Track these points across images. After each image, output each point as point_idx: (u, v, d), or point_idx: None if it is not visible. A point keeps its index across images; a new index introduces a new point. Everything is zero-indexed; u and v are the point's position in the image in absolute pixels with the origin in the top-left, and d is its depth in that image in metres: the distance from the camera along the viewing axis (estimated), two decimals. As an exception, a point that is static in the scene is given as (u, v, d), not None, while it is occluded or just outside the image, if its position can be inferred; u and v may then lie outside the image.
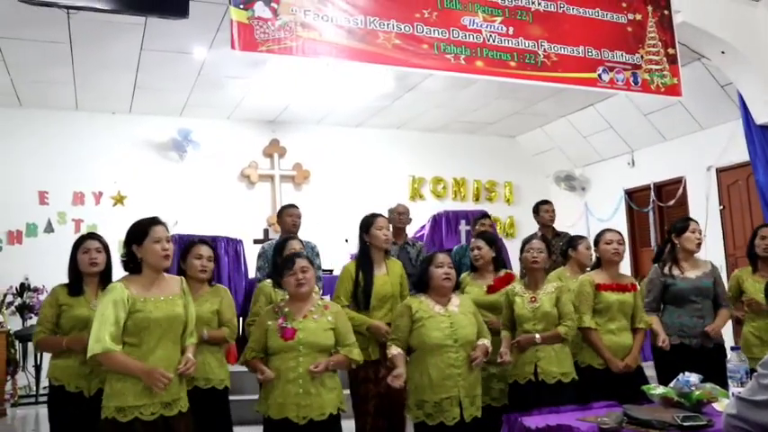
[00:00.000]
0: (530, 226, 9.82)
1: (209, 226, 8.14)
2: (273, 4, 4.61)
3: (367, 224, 4.51)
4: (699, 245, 4.58)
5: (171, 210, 8.13)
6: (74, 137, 8.81)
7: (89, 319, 3.47)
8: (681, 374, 3.14)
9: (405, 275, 4.60)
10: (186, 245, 4.14)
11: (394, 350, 3.73)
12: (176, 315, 3.13)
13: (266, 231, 8.58)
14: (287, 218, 5.76)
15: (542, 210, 6.63)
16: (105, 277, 3.89)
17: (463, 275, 4.72)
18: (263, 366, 3.56)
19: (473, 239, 4.81)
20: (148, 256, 3.13)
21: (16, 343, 7.39)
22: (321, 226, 8.45)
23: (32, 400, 7.27)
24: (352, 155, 10.10)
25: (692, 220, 4.69)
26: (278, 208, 9.45)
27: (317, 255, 5.61)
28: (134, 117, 9.09)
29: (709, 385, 3.07)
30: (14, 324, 7.65)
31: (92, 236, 4.01)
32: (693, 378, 3.07)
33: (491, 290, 4.60)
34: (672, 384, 3.10)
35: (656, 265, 4.64)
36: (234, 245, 7.73)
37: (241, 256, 7.75)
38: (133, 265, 3.17)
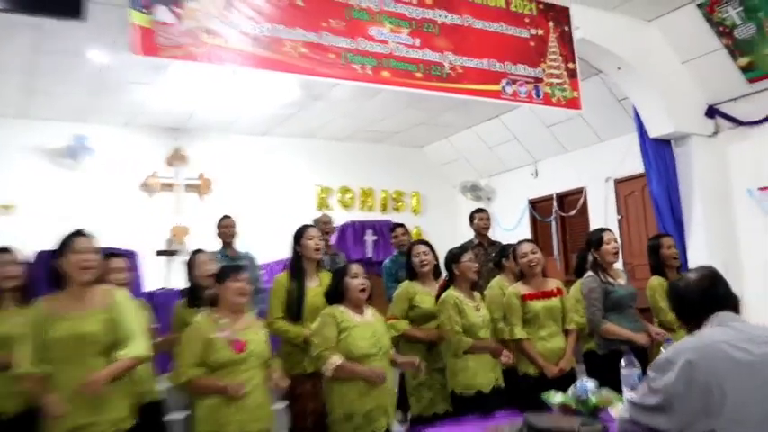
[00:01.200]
0: (437, 236, 10.01)
1: (108, 236, 7.82)
2: (177, 9, 4.52)
3: (298, 234, 4.53)
4: (616, 254, 4.75)
5: (66, 220, 7.78)
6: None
7: (7, 336, 3.43)
8: (579, 380, 3.27)
9: None
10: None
11: (336, 358, 3.70)
12: (84, 334, 3.04)
13: (169, 242, 8.36)
14: (222, 229, 5.97)
15: (476, 218, 6.76)
16: (27, 291, 3.77)
17: (406, 285, 4.70)
18: (219, 382, 3.44)
19: (415, 246, 4.81)
20: (70, 269, 3.07)
21: None
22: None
23: None
24: (257, 164, 10.01)
25: (605, 230, 4.83)
26: (181, 218, 9.41)
27: (257, 266, 5.69)
28: (28, 122, 8.69)
29: (605, 391, 3.20)
30: None
31: (3, 249, 3.88)
32: (591, 384, 3.19)
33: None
34: (570, 391, 3.21)
35: (592, 273, 4.73)
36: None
37: (137, 268, 7.50)
38: (56, 280, 3.10)
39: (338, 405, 3.74)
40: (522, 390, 4.36)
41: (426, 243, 4.86)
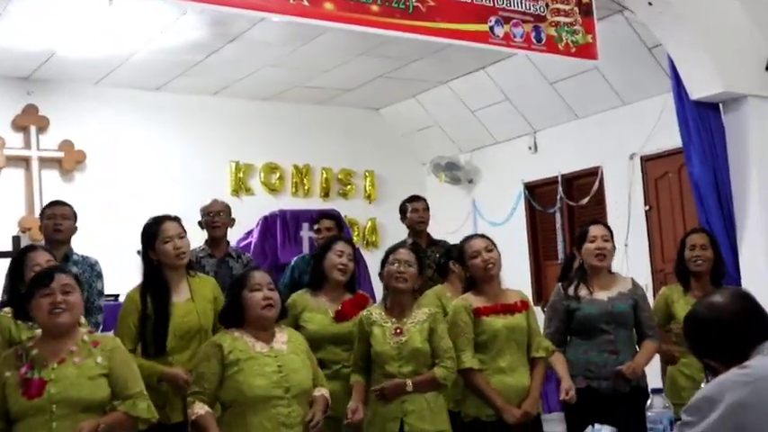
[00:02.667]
0: (399, 231, 10.00)
1: None
2: None
3: (149, 235, 4.49)
4: (601, 257, 4.81)
5: None
6: None
7: None
8: (590, 427, 3.32)
9: (222, 298, 4.53)
10: None
11: (198, 408, 3.73)
12: None
13: (17, 239, 8.19)
14: (46, 221, 5.64)
15: (410, 209, 6.79)
16: None
17: (297, 295, 4.77)
18: None
19: (336, 242, 4.86)
20: None
21: None
22: (100, 232, 8.20)
23: None
24: (147, 130, 9.89)
25: (595, 223, 4.93)
26: (37, 204, 9.15)
27: (99, 276, 5.59)
28: None
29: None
30: None
31: None
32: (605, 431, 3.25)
33: (340, 316, 4.69)
34: (580, 441, 3.27)
35: (559, 284, 4.86)
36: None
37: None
38: None
39: None
40: None
41: (352, 243, 4.91)
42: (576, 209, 9.91)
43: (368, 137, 11.20)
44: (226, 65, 9.28)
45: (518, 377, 4.49)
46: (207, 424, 3.69)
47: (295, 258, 6.56)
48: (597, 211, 9.50)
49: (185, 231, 4.58)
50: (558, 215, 10.01)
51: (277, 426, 3.71)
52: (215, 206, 6.35)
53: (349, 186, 11.10)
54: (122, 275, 7.49)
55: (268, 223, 8.82)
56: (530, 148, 10.34)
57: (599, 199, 9.55)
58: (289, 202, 10.31)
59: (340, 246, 4.79)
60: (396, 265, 4.41)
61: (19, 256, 4.47)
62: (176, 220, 4.61)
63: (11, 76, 9.24)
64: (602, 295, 4.80)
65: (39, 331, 3.69)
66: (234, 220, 6.59)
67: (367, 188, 11.20)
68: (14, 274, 4.37)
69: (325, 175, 10.94)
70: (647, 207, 9.03)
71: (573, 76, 9.13)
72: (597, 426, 3.33)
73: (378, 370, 4.32)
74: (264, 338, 3.89)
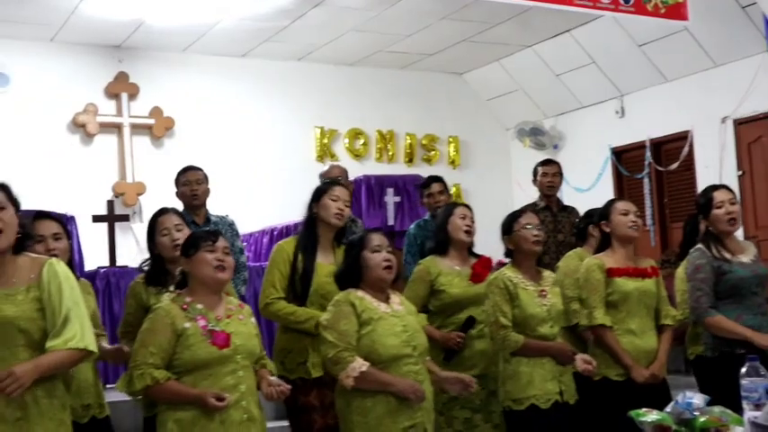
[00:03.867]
0: (482, 197, 9.97)
1: (26, 197, 7.83)
2: None
3: (320, 191, 4.55)
4: (732, 221, 4.68)
5: (-32, 173, 7.86)
6: None
7: None
8: (682, 393, 3.25)
9: None
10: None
11: (359, 363, 3.70)
12: (1, 318, 3.03)
13: (111, 204, 8.39)
14: (182, 187, 5.81)
15: (540, 172, 6.79)
16: None
17: (426, 262, 4.72)
18: (195, 390, 3.43)
19: (456, 207, 4.81)
20: None
21: None
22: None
23: None
24: (233, 97, 10.00)
25: (718, 188, 4.76)
26: (129, 170, 9.48)
27: (237, 234, 5.69)
28: None
29: (717, 408, 3.18)
30: None
31: None
32: (698, 399, 3.17)
33: (476, 278, 4.63)
34: (668, 408, 3.21)
35: (701, 247, 4.69)
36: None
37: (73, 238, 7.58)
38: None
39: (358, 425, 3.75)
40: (598, 400, 4.34)
41: (469, 207, 4.86)
42: (665, 174, 9.74)
43: (451, 102, 11.14)
44: (310, 30, 9.30)
45: (647, 339, 4.46)
46: (380, 375, 3.71)
47: (411, 226, 6.47)
48: (687, 177, 9.33)
49: (350, 200, 4.67)
50: (646, 181, 9.85)
51: None
52: (334, 171, 6.38)
53: (433, 152, 11.06)
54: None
55: (354, 188, 8.84)
56: (617, 112, 10.18)
57: (689, 164, 9.36)
58: (373, 167, 10.31)
59: (461, 209, 4.77)
60: (529, 228, 4.38)
61: (151, 221, 4.50)
62: (345, 186, 4.72)
63: (103, 44, 9.43)
64: (743, 258, 4.70)
65: (166, 297, 3.71)
66: (353, 183, 6.60)
67: (451, 154, 11.15)
68: (148, 238, 4.47)
69: (408, 141, 10.93)
70: (740, 172, 8.83)
71: (662, 38, 8.93)
72: (689, 393, 3.26)
73: (528, 332, 4.29)
74: (383, 300, 3.90)
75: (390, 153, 10.81)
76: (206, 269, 3.60)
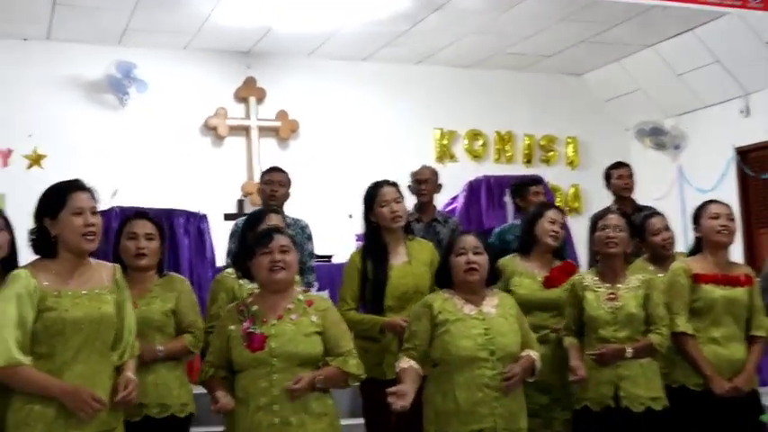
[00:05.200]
0: (602, 198, 9.81)
1: (160, 196, 8.15)
2: None
3: (369, 198, 4.59)
4: None
5: (108, 174, 8.15)
6: (-29, 73, 8.78)
7: None
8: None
9: (438, 262, 4.54)
10: (121, 222, 4.22)
11: (404, 362, 3.82)
12: (103, 315, 3.21)
13: (241, 203, 8.61)
14: (263, 186, 5.89)
15: (615, 175, 6.65)
16: (9, 264, 3.87)
17: (507, 259, 4.73)
18: (221, 391, 3.62)
19: (547, 210, 4.79)
20: (66, 233, 3.20)
21: None
22: (313, 197, 8.49)
23: None
24: (356, 99, 10.10)
25: None
26: (256, 170, 9.51)
27: (309, 238, 5.71)
28: (54, 45, 9.06)
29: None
30: None
31: None
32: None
33: (549, 282, 4.62)
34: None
35: None
36: (196, 222, 7.72)
37: (206, 236, 7.78)
38: (46, 245, 3.23)
39: (432, 421, 3.82)
40: (675, 410, 4.22)
41: (561, 210, 4.86)
42: (792, 175, 9.46)
43: (570, 103, 11.01)
44: (430, 33, 9.32)
45: (732, 350, 4.33)
46: (405, 377, 3.75)
47: (497, 229, 6.45)
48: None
49: (402, 196, 4.66)
50: (772, 181, 9.58)
51: (480, 386, 3.74)
52: (424, 173, 6.42)
53: (551, 153, 10.96)
54: (335, 238, 7.84)
55: (473, 189, 8.83)
56: (741, 111, 9.91)
57: (818, 164, 9.08)
58: (491, 168, 10.23)
59: (553, 213, 4.74)
60: (606, 230, 4.34)
61: (256, 215, 4.65)
62: (394, 185, 4.68)
63: (232, 51, 9.68)
64: None
65: (256, 289, 3.86)
66: (441, 185, 6.65)
67: (569, 154, 11.03)
68: (248, 230, 4.55)
69: (527, 142, 10.85)
70: None
71: (790, 35, 8.70)
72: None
73: (591, 334, 4.25)
74: (474, 301, 3.92)
75: (509, 154, 10.76)
76: (262, 273, 3.71)
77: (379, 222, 4.53)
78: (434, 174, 6.51)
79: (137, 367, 3.44)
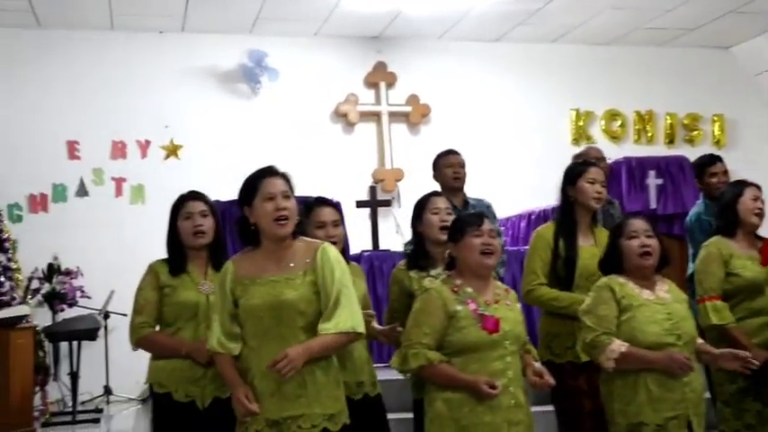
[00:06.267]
0: (751, 179, 9.32)
1: (295, 183, 8.20)
2: None
3: (574, 173, 4.53)
4: None
5: (240, 163, 8.22)
6: (110, 66, 9.03)
7: (197, 304, 3.95)
8: None
9: None
10: (303, 210, 4.27)
11: (617, 345, 3.69)
12: (282, 302, 3.25)
13: (373, 189, 8.56)
14: (445, 169, 5.84)
15: (707, 173, 6.18)
16: (216, 250, 4.11)
17: (715, 243, 4.56)
18: (472, 376, 3.52)
19: (748, 186, 4.64)
20: (260, 219, 3.30)
21: (45, 343, 7.71)
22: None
23: (68, 417, 7.57)
24: (487, 82, 10.03)
25: None
26: (386, 156, 9.69)
27: (495, 218, 5.65)
28: (189, 37, 9.28)
29: None
30: (42, 318, 8.00)
31: (194, 195, 4.18)
32: None
33: (766, 261, 4.47)
34: None
35: None
36: (331, 209, 7.81)
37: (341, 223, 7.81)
38: (248, 234, 3.35)
39: (619, 413, 3.74)
40: None
41: (758, 187, 4.66)
42: None
43: (716, 78, 10.65)
44: (565, 11, 9.19)
45: None
46: (640, 353, 3.66)
47: (692, 212, 6.11)
48: None
49: (606, 181, 4.62)
50: None
51: (671, 373, 3.68)
52: (591, 153, 6.21)
53: (695, 132, 10.65)
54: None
55: (612, 171, 8.57)
56: None
57: None
58: (630, 149, 9.97)
59: (753, 190, 4.59)
60: (752, 203, 4.38)
61: (421, 201, 4.57)
62: (597, 165, 4.64)
63: (362, 36, 9.72)
64: None
65: (438, 280, 3.79)
66: (608, 166, 6.43)
67: (716, 133, 10.70)
68: (416, 216, 4.54)
69: (669, 121, 10.59)
70: None
71: None
72: None
73: None
74: (647, 287, 3.84)
75: (649, 134, 10.51)
76: (473, 255, 3.64)
77: (578, 198, 4.46)
78: (602, 154, 6.34)
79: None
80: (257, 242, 3.34)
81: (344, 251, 4.10)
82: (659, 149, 10.13)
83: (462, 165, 5.85)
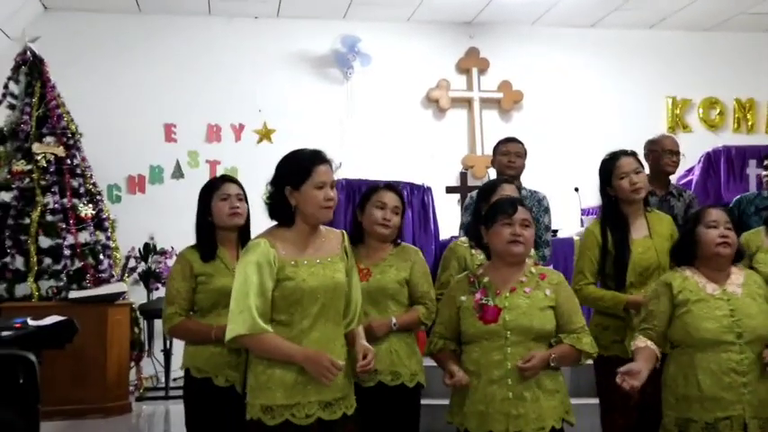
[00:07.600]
0: None
1: (383, 169, 8.25)
2: None
3: (606, 170, 4.42)
4: None
5: (333, 147, 8.28)
6: (207, 51, 9.23)
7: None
8: None
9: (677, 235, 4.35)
10: (367, 190, 4.26)
11: (641, 341, 3.66)
12: (337, 284, 3.28)
13: (464, 176, 8.54)
14: (500, 157, 5.71)
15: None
16: (244, 235, 4.08)
17: (751, 234, 4.41)
18: (454, 365, 3.57)
19: None
20: (307, 205, 3.24)
21: (141, 320, 7.92)
22: (537, 170, 8.29)
23: (161, 393, 7.78)
24: (581, 68, 9.93)
25: None
26: (478, 143, 9.62)
27: (546, 210, 5.60)
28: (283, 22, 9.39)
29: None
30: (138, 296, 8.21)
31: (230, 178, 4.24)
32: None
33: None
34: None
35: None
36: (420, 194, 7.77)
37: (429, 208, 7.81)
38: (284, 213, 3.28)
39: (672, 405, 3.67)
40: None
41: None
42: None
43: (822, 65, 10.34)
44: (663, -5, 9.01)
45: None
46: (640, 356, 3.60)
47: (736, 198, 6.02)
48: None
49: (642, 166, 4.48)
50: None
51: (727, 371, 3.52)
52: (665, 143, 6.02)
53: (800, 120, 10.38)
54: (561, 212, 7.59)
55: (711, 160, 8.38)
56: None
57: None
58: (729, 138, 9.75)
59: None
60: None
61: (490, 186, 4.57)
62: (633, 154, 4.48)
63: (455, 21, 9.70)
64: None
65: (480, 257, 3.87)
66: (682, 157, 6.25)
67: (820, 121, 10.41)
68: (481, 200, 4.47)
69: (770, 110, 10.34)
70: None
71: None
72: None
73: None
74: (717, 279, 3.70)
75: (750, 123, 10.27)
76: (500, 243, 3.61)
77: (618, 195, 4.37)
78: (677, 144, 6.13)
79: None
80: (290, 222, 3.28)
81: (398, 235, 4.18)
82: (761, 139, 9.88)
83: (520, 154, 5.64)
